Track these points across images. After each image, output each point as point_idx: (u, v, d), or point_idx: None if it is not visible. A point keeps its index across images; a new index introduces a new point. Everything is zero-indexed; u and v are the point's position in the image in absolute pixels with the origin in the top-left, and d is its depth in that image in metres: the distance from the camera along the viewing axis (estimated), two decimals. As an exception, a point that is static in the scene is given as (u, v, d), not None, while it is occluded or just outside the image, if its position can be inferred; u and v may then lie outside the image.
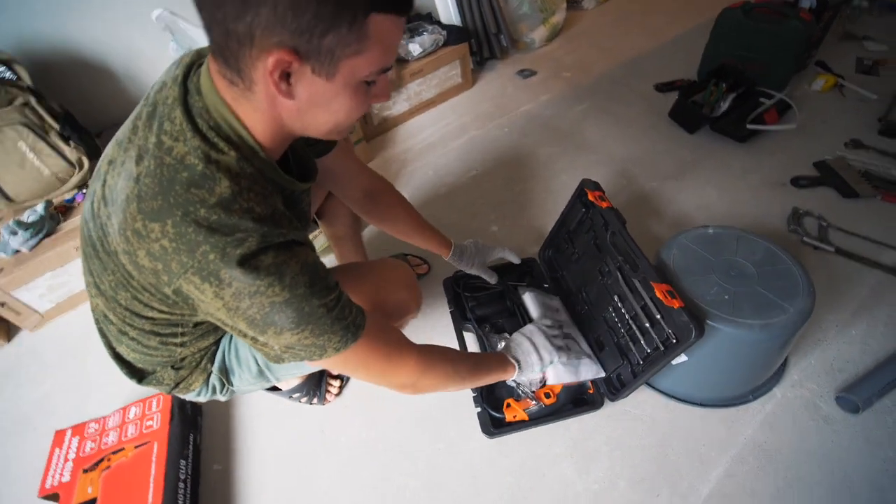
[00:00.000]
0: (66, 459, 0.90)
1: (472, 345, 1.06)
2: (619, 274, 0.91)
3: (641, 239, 0.88)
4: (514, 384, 0.96)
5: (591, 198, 0.96)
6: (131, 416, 0.95)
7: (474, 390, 0.95)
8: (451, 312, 1.09)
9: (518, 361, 0.83)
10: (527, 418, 0.91)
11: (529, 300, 1.04)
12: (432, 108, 1.81)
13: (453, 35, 1.75)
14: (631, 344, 0.88)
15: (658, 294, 0.78)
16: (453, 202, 1.44)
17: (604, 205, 0.95)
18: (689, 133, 1.51)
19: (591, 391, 0.94)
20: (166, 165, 0.46)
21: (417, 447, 0.95)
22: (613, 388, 0.91)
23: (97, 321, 0.66)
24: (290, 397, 1.00)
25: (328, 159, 0.78)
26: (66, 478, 0.87)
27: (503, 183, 1.47)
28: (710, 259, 0.88)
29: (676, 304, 0.76)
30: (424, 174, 1.55)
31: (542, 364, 0.85)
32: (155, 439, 0.90)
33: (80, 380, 1.17)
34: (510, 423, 0.91)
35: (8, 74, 1.29)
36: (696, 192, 1.35)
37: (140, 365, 0.68)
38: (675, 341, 0.77)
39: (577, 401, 0.94)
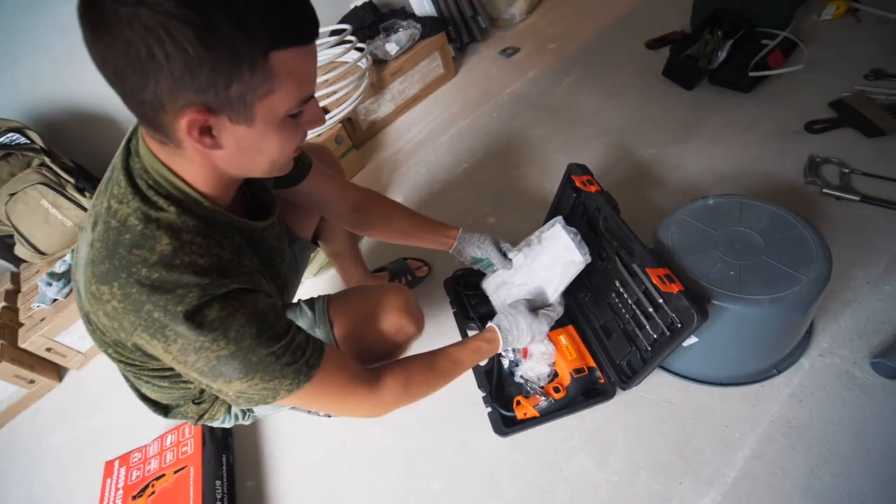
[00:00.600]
0: (117, 488, 0.98)
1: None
2: (617, 258, 0.87)
3: (645, 213, 0.84)
4: (522, 381, 0.95)
5: (578, 184, 0.92)
6: (168, 443, 1.02)
7: (483, 389, 0.94)
8: (454, 313, 1.08)
9: (504, 339, 0.78)
10: (538, 415, 0.90)
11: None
12: (418, 103, 1.78)
13: (429, 26, 1.70)
14: (637, 330, 0.84)
15: (654, 280, 0.74)
16: (448, 199, 1.42)
17: (592, 189, 0.90)
18: (688, 90, 1.42)
19: (601, 380, 0.91)
20: (112, 229, 0.47)
21: (434, 451, 0.95)
22: (624, 375, 0.88)
23: (119, 367, 0.69)
24: (309, 412, 1.02)
25: (306, 185, 0.78)
26: (119, 505, 0.94)
27: (496, 171, 1.44)
28: (711, 233, 0.82)
29: (675, 287, 0.72)
30: (417, 173, 1.53)
31: (531, 340, 0.80)
32: (191, 463, 0.95)
33: (123, 411, 1.24)
34: (521, 421, 0.90)
35: (22, 140, 1.37)
36: (701, 153, 1.27)
37: (164, 402, 0.72)
38: (679, 325, 0.74)
39: (588, 392, 0.92)
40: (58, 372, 1.44)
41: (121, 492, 0.98)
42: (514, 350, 0.97)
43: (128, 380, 0.70)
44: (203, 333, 0.46)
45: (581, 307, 1.01)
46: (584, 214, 0.98)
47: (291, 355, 0.52)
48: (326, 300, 0.81)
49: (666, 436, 0.86)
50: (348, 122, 1.61)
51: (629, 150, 1.35)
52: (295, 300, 0.87)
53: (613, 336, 0.92)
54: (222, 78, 0.39)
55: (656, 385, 0.92)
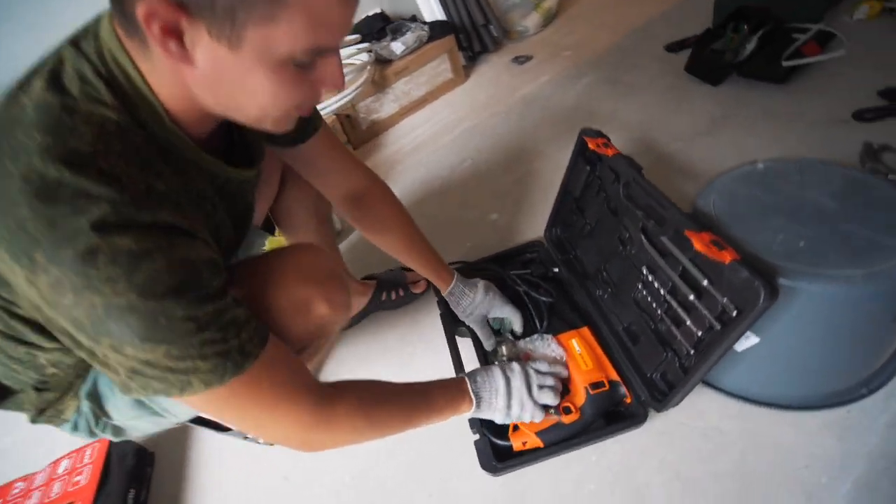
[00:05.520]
0: (-16, 531, 0.75)
1: (470, 353, 0.84)
2: (642, 237, 0.69)
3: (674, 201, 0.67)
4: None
5: (592, 147, 0.76)
6: (61, 470, 0.80)
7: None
8: (440, 315, 0.89)
9: (478, 398, 0.62)
10: (542, 444, 0.67)
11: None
12: (425, 106, 1.68)
13: (437, 29, 1.64)
14: (674, 328, 0.64)
15: (698, 246, 0.55)
16: (446, 196, 1.27)
17: (610, 152, 0.74)
18: (714, 86, 1.28)
19: (627, 400, 0.69)
20: (18, 104, 0.35)
21: (402, 494, 0.72)
22: (658, 392, 0.67)
23: None
24: (246, 438, 0.81)
25: (308, 149, 0.65)
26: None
27: (503, 168, 1.29)
28: (766, 200, 0.64)
29: (728, 256, 0.53)
30: (415, 172, 1.39)
31: (507, 415, 0.64)
32: (78, 500, 0.73)
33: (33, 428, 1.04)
34: (520, 453, 0.68)
35: None
36: (734, 144, 1.11)
37: (5, 381, 0.53)
38: (735, 313, 0.54)
39: (610, 415, 0.70)
40: None
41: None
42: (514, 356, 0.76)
43: None
44: (95, 266, 0.32)
45: (599, 307, 0.81)
46: (600, 191, 0.80)
47: (221, 330, 0.38)
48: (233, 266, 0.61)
49: (720, 479, 0.62)
50: (346, 119, 1.51)
51: (651, 144, 1.19)
52: None
53: (642, 340, 0.71)
54: None
55: (703, 408, 0.69)
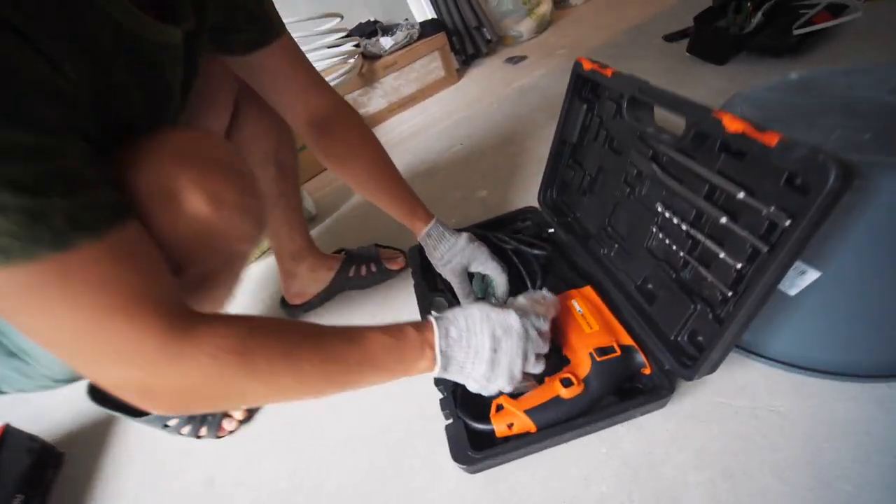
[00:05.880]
0: None
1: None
2: (654, 165, 0.56)
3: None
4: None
5: (588, 68, 0.65)
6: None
7: (440, 381, 0.56)
8: (414, 286, 0.74)
9: (445, 359, 0.45)
10: (534, 428, 0.50)
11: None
12: (415, 104, 1.62)
13: (428, 28, 1.61)
14: (703, 269, 0.49)
15: (732, 126, 0.42)
16: (433, 177, 1.16)
17: (608, 72, 0.62)
18: (720, 65, 1.19)
19: (646, 370, 0.53)
20: None
21: (358, 499, 0.55)
22: (687, 357, 0.51)
23: None
24: (165, 426, 0.64)
25: (267, 57, 0.56)
26: None
27: (494, 150, 1.19)
28: (809, 103, 0.51)
29: (773, 138, 0.39)
30: (402, 159, 1.29)
31: (484, 387, 0.48)
32: None
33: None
34: (505, 440, 0.51)
35: None
36: (752, 114, 1.00)
37: None
38: (788, 222, 0.39)
39: (624, 392, 0.53)
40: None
41: None
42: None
43: None
44: None
45: (604, 267, 0.66)
46: (600, 130, 0.68)
47: (40, 179, 0.27)
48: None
49: (785, 475, 0.45)
50: (330, 112, 1.43)
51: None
52: None
53: (661, 296, 0.56)
54: None
55: (747, 383, 0.53)
